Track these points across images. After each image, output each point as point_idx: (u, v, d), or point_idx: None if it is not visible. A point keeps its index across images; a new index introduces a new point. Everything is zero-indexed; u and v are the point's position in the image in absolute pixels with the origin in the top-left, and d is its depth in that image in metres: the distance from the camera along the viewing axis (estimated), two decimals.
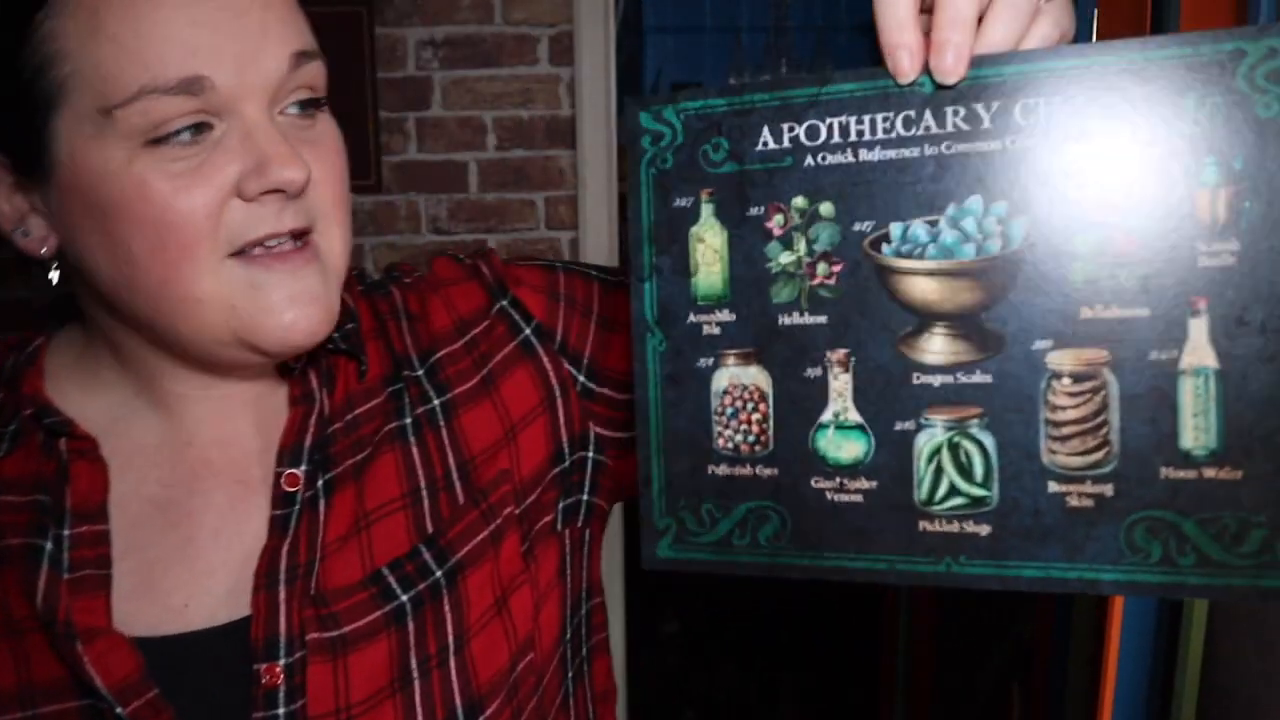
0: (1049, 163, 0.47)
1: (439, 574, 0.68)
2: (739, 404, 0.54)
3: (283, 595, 0.65)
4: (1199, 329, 0.46)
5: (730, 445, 0.55)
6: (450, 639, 0.68)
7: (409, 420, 0.72)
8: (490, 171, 2.47)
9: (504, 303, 0.76)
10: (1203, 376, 0.46)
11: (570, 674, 0.78)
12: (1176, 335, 0.46)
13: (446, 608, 0.68)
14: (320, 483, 0.68)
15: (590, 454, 0.77)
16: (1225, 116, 0.45)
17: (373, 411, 0.71)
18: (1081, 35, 1.19)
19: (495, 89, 2.44)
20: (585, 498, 0.77)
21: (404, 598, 0.67)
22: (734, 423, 0.54)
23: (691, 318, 0.55)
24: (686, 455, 0.56)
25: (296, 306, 0.63)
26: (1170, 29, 1.31)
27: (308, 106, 0.65)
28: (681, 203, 0.54)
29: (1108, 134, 0.47)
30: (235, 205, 0.61)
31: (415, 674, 0.67)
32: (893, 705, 2.53)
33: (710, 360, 0.54)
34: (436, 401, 0.73)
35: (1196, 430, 0.47)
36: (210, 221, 0.60)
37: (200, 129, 0.59)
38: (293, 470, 0.68)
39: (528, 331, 0.75)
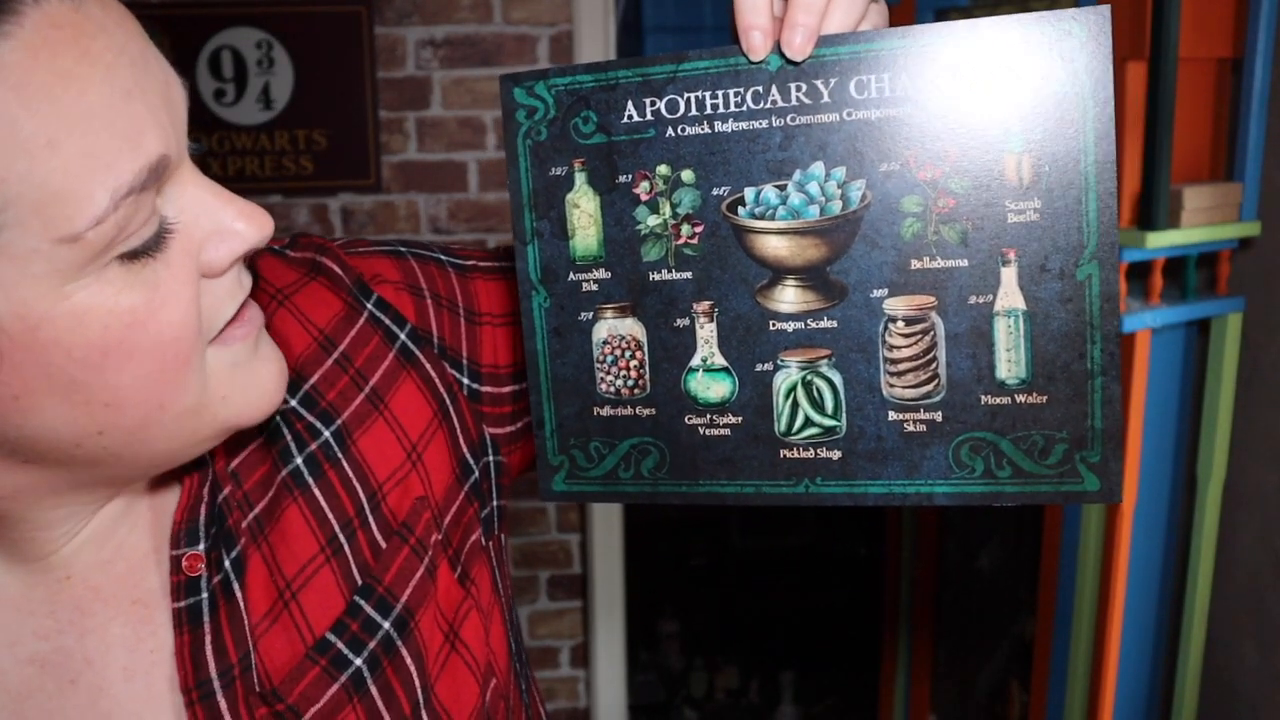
0: (881, 132, 0.53)
1: (387, 626, 0.62)
2: (618, 352, 0.60)
3: (224, 706, 0.56)
4: (1010, 276, 0.53)
5: (612, 389, 0.61)
6: (419, 691, 0.62)
7: (300, 461, 0.62)
8: (490, 171, 2.44)
9: (369, 307, 0.67)
10: (1013, 317, 0.54)
11: (524, 687, 0.73)
12: (991, 282, 0.53)
13: (407, 660, 0.62)
14: (228, 563, 0.59)
15: (491, 458, 0.71)
16: (1028, 90, 0.51)
17: (252, 461, 0.62)
18: None
19: (495, 89, 2.40)
20: (495, 503, 0.71)
21: (358, 661, 0.60)
22: (614, 369, 0.60)
23: (571, 276, 0.60)
24: (574, 399, 0.61)
25: (277, 372, 0.56)
26: (1171, 27, 1.37)
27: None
28: (557, 171, 0.59)
29: (931, 106, 0.52)
30: (205, 287, 0.50)
31: None
32: (893, 703, 2.54)
33: (590, 314, 0.60)
34: (327, 432, 0.63)
35: (1009, 363, 0.54)
36: (197, 320, 0.50)
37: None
38: (191, 550, 0.58)
39: (403, 337, 0.67)
